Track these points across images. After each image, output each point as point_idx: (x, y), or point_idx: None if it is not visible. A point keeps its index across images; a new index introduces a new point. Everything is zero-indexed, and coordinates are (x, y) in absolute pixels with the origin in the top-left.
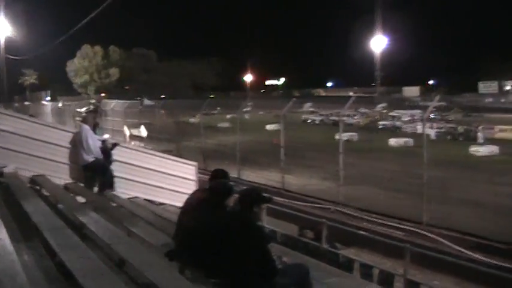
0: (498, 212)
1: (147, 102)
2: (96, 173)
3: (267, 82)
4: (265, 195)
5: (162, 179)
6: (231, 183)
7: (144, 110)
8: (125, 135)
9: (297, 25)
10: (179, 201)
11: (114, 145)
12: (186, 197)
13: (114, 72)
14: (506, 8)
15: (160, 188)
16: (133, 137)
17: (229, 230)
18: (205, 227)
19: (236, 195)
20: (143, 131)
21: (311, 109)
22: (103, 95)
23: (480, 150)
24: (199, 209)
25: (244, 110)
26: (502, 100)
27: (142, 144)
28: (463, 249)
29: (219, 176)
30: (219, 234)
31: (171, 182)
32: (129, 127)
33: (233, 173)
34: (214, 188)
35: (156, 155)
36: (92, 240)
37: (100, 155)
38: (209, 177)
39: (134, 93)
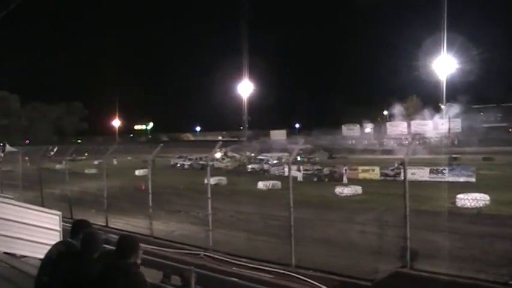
0: (351, 249)
1: (9, 148)
2: None
3: (136, 127)
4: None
5: (22, 230)
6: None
7: (5, 157)
8: None
9: (164, 69)
10: (41, 253)
11: None
12: (48, 248)
13: None
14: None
15: (20, 239)
16: None
17: (109, 281)
18: (79, 280)
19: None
20: None
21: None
22: None
23: (345, 190)
24: (60, 262)
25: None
26: (365, 142)
27: None
28: None
29: (80, 227)
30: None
31: (33, 233)
32: None
33: (101, 221)
34: (88, 238)
35: (16, 205)
36: None
37: None
38: (71, 229)
39: None
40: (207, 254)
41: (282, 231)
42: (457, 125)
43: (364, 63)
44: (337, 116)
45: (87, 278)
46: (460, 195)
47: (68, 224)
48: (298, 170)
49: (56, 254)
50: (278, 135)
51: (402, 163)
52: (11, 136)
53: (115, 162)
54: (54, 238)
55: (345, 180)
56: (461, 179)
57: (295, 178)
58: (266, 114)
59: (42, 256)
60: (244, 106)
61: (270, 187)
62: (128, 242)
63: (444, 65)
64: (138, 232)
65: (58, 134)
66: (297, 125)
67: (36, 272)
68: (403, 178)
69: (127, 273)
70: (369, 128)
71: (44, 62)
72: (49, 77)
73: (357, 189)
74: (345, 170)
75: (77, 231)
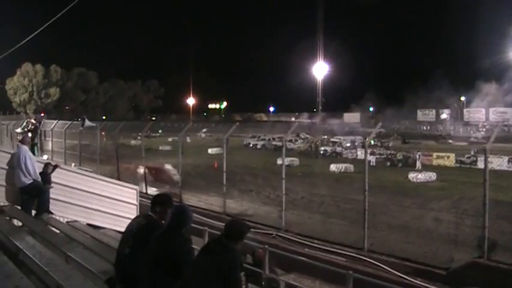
0: (426, 236)
1: (88, 123)
2: (34, 196)
3: (210, 106)
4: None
5: (102, 202)
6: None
7: (84, 131)
8: None
9: (240, 49)
10: (119, 226)
11: (55, 167)
12: (126, 221)
13: (55, 92)
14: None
15: (100, 211)
16: None
17: (211, 254)
18: (171, 254)
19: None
20: None
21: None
22: (42, 114)
23: (419, 176)
24: (145, 235)
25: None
26: (441, 128)
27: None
28: (403, 275)
29: (163, 201)
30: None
31: (112, 206)
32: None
33: (174, 197)
34: (179, 213)
35: (96, 178)
36: (28, 266)
37: (38, 177)
38: (151, 202)
39: (73, 113)
40: (280, 234)
41: (355, 215)
42: None
43: (442, 48)
44: (413, 101)
45: (178, 252)
46: None
47: (143, 199)
48: (372, 153)
49: (137, 227)
50: (352, 118)
51: (483, 150)
52: (89, 111)
53: (188, 140)
54: (131, 211)
55: (418, 166)
56: None
57: (368, 162)
58: (340, 97)
59: (119, 228)
60: (319, 88)
61: (342, 170)
62: (235, 228)
63: None
64: (210, 209)
65: (134, 110)
66: (371, 109)
67: (115, 244)
68: (479, 166)
69: (228, 249)
70: (445, 113)
71: (122, 39)
72: (127, 55)
73: (431, 176)
74: (419, 155)
75: (157, 205)
